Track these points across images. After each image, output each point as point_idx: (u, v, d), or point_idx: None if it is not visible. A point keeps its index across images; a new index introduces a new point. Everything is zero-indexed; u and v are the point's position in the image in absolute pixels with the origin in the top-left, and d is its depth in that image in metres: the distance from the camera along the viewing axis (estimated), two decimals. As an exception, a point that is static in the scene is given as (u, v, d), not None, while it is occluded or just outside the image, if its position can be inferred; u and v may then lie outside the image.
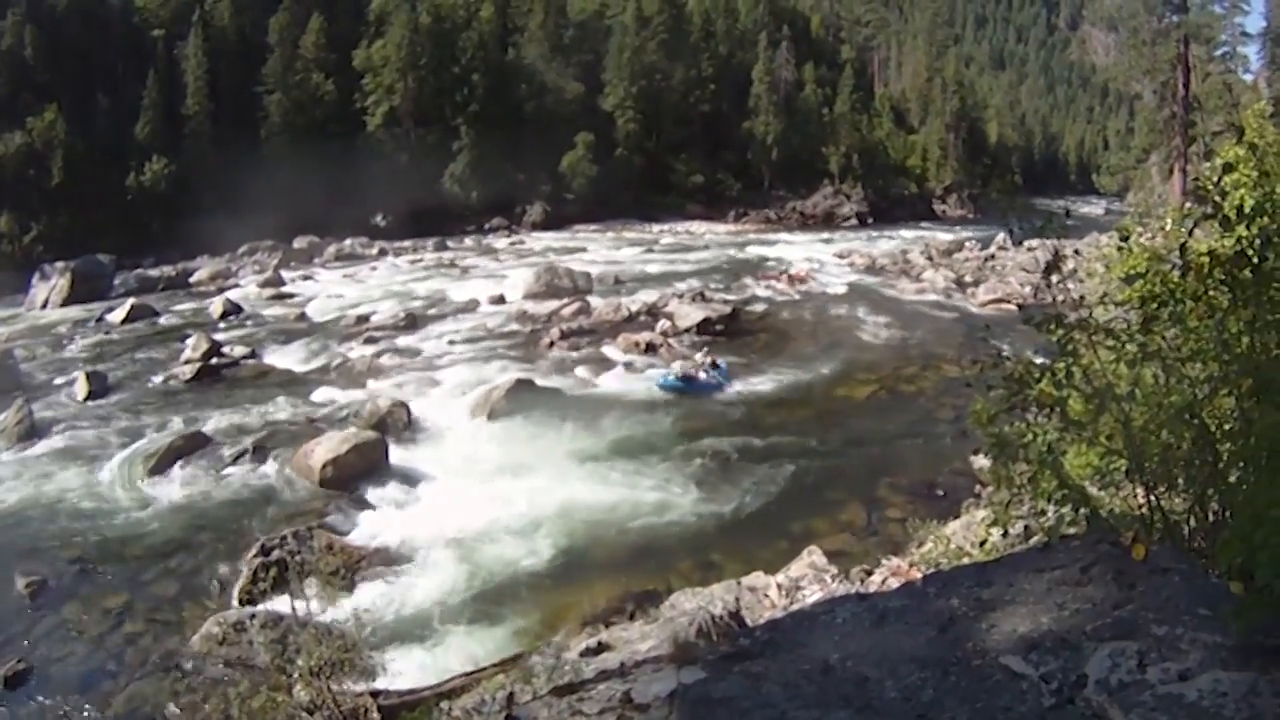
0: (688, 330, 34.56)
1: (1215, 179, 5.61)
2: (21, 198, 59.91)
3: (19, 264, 53.38)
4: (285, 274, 52.33)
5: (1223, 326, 4.53)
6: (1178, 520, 4.68)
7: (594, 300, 40.65)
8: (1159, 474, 4.69)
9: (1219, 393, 4.60)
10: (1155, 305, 4.71)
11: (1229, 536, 3.39)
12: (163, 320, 40.94)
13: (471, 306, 41.67)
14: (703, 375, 28.69)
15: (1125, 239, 5.85)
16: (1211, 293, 4.58)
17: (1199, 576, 3.44)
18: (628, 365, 30.78)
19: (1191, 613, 3.10)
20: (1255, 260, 4.27)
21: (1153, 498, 4.64)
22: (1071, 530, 4.59)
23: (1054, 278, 5.37)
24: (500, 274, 51.40)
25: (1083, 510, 4.57)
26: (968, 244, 56.84)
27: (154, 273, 52.84)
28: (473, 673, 12.28)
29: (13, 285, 48.60)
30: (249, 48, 77.23)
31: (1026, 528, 5.01)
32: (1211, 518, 4.54)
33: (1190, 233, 5.02)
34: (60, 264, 48.06)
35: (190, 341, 32.69)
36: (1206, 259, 4.51)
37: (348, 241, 64.30)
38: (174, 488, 20.97)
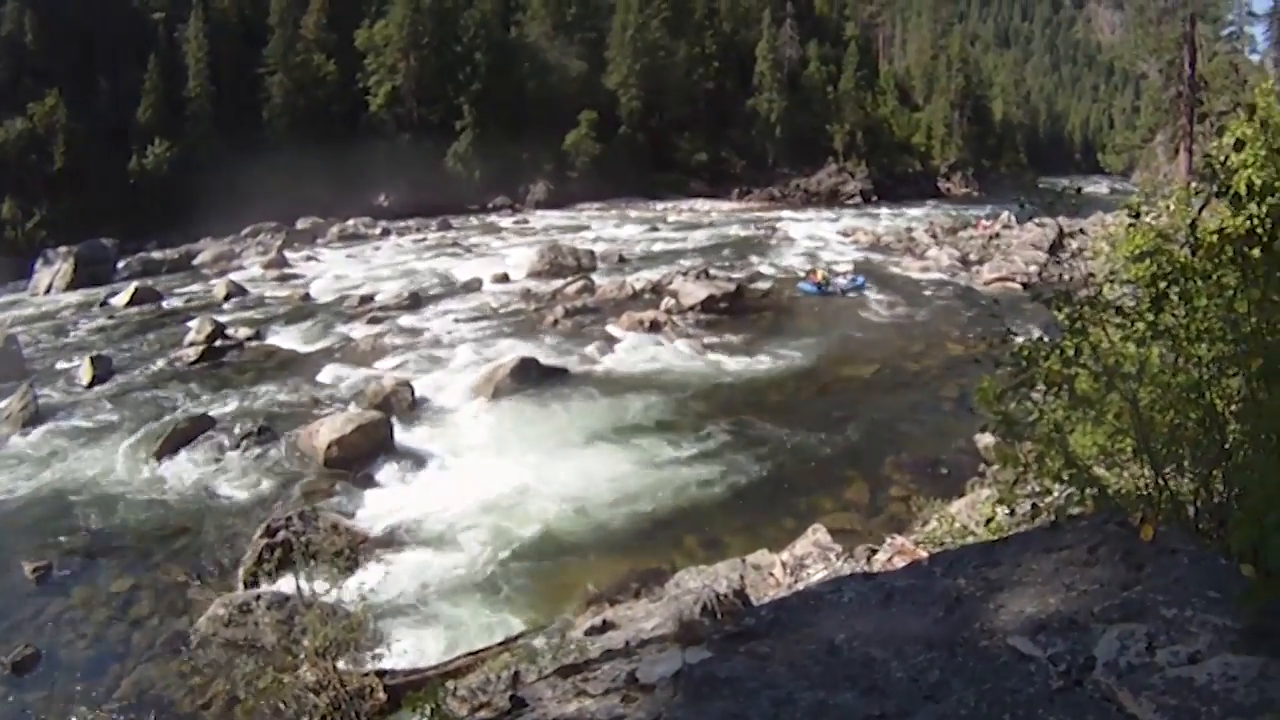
0: (692, 308, 34.55)
1: (1223, 157, 5.56)
2: (23, 183, 59.64)
3: (21, 249, 53.29)
4: (289, 255, 52.15)
5: (1231, 306, 4.49)
6: (1184, 501, 4.65)
7: (598, 278, 40.71)
8: (1166, 454, 4.66)
9: (1226, 373, 4.57)
10: (1165, 284, 4.67)
11: (1241, 519, 3.36)
12: (167, 303, 40.84)
13: (475, 285, 41.61)
14: (841, 282, 39.66)
15: (1137, 216, 5.79)
16: (1221, 271, 4.54)
17: (1207, 558, 3.41)
18: (630, 343, 30.71)
19: (1200, 595, 3.08)
20: (1265, 239, 4.22)
21: (1159, 478, 4.60)
22: (1077, 510, 4.57)
23: (1061, 255, 5.30)
24: (504, 253, 51.51)
25: (1090, 490, 4.54)
26: (985, 220, 56.76)
27: (157, 256, 52.67)
28: (477, 652, 12.32)
29: (16, 271, 48.54)
30: (250, 29, 76.85)
31: (1034, 506, 4.98)
32: (1217, 499, 4.51)
33: (1200, 210, 4.98)
34: (63, 249, 47.93)
35: (194, 324, 32.65)
36: (1216, 237, 4.47)
37: (351, 221, 64.08)
38: (179, 471, 20.99)
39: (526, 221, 70.98)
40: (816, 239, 56.11)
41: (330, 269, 48.52)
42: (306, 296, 40.63)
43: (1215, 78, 50.35)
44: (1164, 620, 2.95)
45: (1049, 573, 3.44)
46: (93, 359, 28.76)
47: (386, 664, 10.85)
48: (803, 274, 42.62)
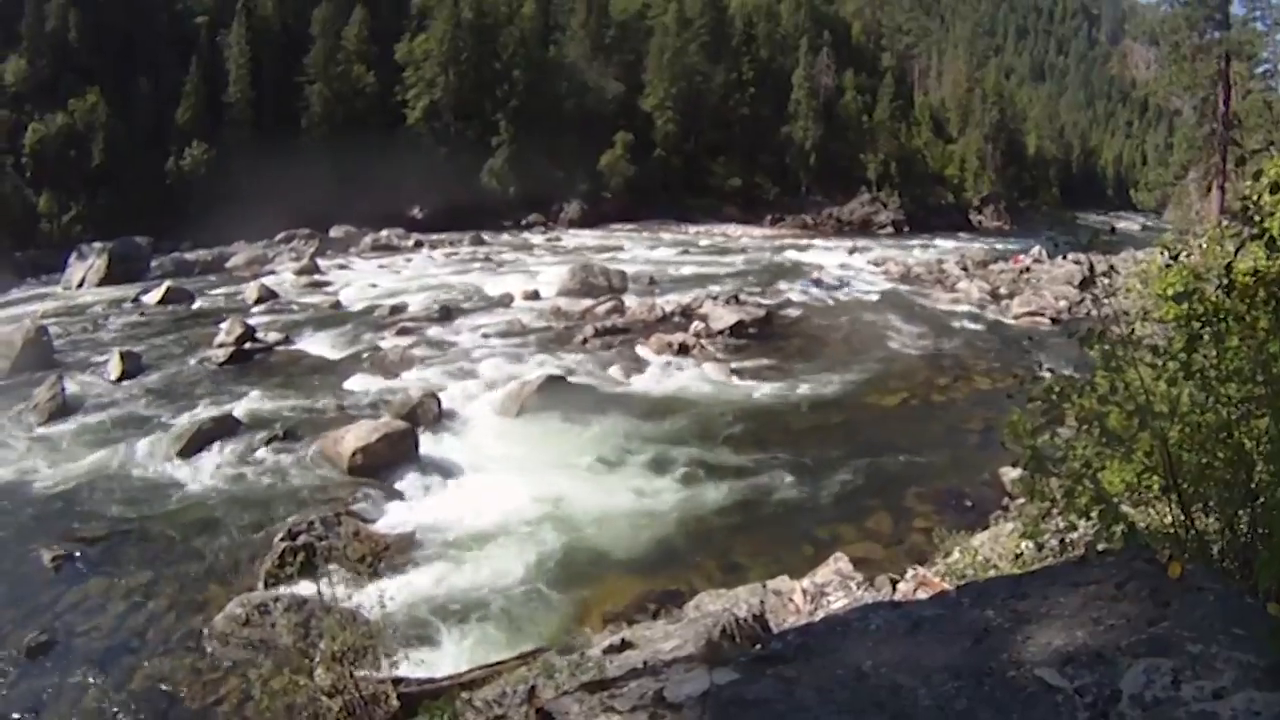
0: (721, 332, 34.49)
1: (1255, 198, 5.54)
2: (61, 178, 60.42)
3: (57, 243, 53.85)
4: (321, 262, 52.50)
5: (1262, 348, 4.49)
6: (1209, 540, 4.65)
7: (628, 299, 40.65)
8: (1193, 493, 4.65)
9: (1255, 414, 4.57)
10: (1200, 325, 4.67)
11: (1269, 558, 3.37)
12: (198, 304, 41.21)
13: (506, 301, 41.70)
14: (831, 282, 48.55)
15: (1175, 256, 5.77)
16: (1255, 313, 4.54)
17: (1233, 597, 3.42)
18: (659, 365, 30.72)
19: (1226, 632, 3.09)
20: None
21: (1187, 516, 4.60)
22: (1103, 546, 4.57)
23: (1097, 291, 5.27)
24: (535, 270, 51.48)
25: (1119, 526, 4.54)
26: (1021, 256, 56.65)
27: (190, 256, 53.21)
28: (494, 665, 12.31)
29: (50, 264, 49.17)
30: (291, 38, 77.59)
31: (1063, 541, 4.97)
32: (1242, 539, 4.51)
33: (1237, 252, 4.98)
34: (98, 244, 48.45)
35: (224, 325, 32.86)
36: (1252, 279, 4.48)
37: (384, 232, 64.41)
38: (203, 469, 21.13)
39: (559, 240, 71.25)
40: (848, 268, 56.01)
41: (362, 278, 48.72)
42: (337, 304, 40.86)
43: (1249, 116, 49.91)
44: (1190, 656, 2.96)
45: (1076, 606, 3.45)
46: (122, 354, 28.98)
47: (402, 672, 10.89)
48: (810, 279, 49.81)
